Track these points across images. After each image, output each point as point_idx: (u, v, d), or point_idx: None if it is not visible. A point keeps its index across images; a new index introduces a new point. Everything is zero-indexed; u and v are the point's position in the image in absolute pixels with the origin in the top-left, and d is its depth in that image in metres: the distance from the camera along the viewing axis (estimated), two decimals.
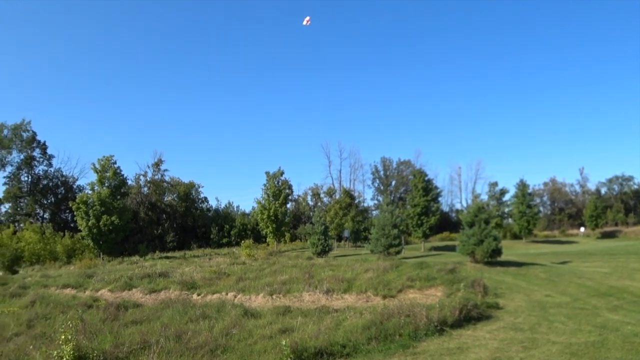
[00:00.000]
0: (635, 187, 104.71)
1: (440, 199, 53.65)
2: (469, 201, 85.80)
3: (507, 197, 68.58)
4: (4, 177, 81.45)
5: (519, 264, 28.45)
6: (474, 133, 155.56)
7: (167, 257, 52.81)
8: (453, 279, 21.38)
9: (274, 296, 22.20)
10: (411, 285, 21.14)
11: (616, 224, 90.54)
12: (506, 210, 68.40)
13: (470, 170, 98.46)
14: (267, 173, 58.20)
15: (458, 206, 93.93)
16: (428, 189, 51.53)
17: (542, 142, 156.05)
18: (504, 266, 27.35)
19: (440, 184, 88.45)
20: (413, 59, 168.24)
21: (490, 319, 15.56)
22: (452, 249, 43.01)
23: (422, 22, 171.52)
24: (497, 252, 28.29)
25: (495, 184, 70.11)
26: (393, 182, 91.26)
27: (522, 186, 66.68)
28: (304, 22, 39.34)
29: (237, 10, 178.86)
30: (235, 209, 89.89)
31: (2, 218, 78.10)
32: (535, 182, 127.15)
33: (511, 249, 46.14)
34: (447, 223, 78.87)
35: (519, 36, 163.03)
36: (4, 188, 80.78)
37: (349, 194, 69.75)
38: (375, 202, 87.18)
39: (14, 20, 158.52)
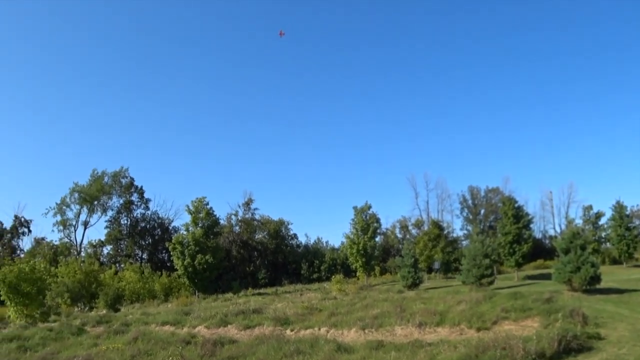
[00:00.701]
0: None
1: (531, 225, 52.10)
2: (563, 227, 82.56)
3: (603, 221, 65.49)
4: (106, 221, 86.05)
5: (620, 291, 27.24)
6: (563, 155, 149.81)
7: (259, 294, 53.65)
8: (550, 308, 20.71)
9: (366, 330, 22.23)
10: (506, 316, 20.67)
11: None
12: (603, 234, 65.33)
13: (562, 194, 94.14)
14: (355, 208, 58.49)
15: (551, 232, 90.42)
16: (519, 216, 50.19)
17: (637, 160, 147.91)
18: (604, 294, 26.27)
19: (531, 210, 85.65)
20: (495, 83, 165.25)
21: (592, 351, 15.06)
22: (547, 277, 41.55)
23: (502, 46, 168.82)
24: (596, 279, 27.23)
25: (590, 207, 67.24)
26: (482, 211, 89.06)
27: (619, 208, 63.44)
28: (280, 35, 39.84)
29: (318, 43, 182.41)
30: (324, 244, 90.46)
31: (105, 259, 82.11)
32: (634, 202, 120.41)
33: (611, 275, 44.00)
34: (541, 250, 75.93)
35: (606, 52, 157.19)
36: (105, 231, 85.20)
37: (437, 225, 68.84)
38: (465, 232, 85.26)
39: (110, 78, 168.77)
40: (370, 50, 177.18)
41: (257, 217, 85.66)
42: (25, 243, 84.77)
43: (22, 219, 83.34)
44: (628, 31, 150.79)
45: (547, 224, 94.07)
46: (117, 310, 45.26)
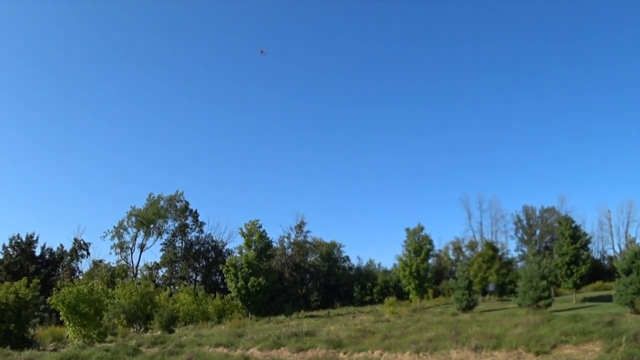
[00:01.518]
0: None
1: (590, 246, 50.61)
2: (623, 247, 79.98)
3: None
4: (161, 244, 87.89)
5: None
6: (622, 172, 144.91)
7: (311, 316, 53.64)
8: (612, 332, 20.02)
9: (420, 354, 21.91)
10: (566, 340, 20.08)
11: None
12: None
13: (621, 213, 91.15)
14: (407, 229, 57.87)
15: (610, 253, 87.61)
16: (576, 236, 48.85)
17: None
18: None
19: (589, 229, 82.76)
20: (548, 100, 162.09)
21: None
22: (607, 299, 40.29)
23: (549, 61, 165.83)
24: None
25: None
26: (537, 231, 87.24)
27: None
28: (261, 52, 39.37)
29: (368, 69, 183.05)
30: (376, 267, 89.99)
31: (160, 281, 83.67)
32: None
33: None
34: (600, 271, 73.63)
35: None
36: (161, 254, 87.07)
37: (491, 246, 67.58)
38: (520, 253, 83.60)
39: (165, 104, 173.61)
40: (419, 71, 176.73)
41: (309, 239, 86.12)
42: (84, 265, 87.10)
43: (82, 242, 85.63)
44: None
45: (606, 244, 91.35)
46: (171, 331, 45.75)
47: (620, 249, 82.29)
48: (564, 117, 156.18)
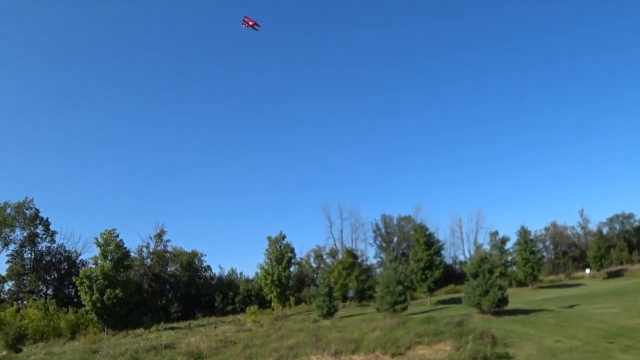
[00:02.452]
0: (637, 224, 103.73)
1: (442, 252, 53.67)
2: (472, 252, 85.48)
3: (509, 245, 68.52)
4: (7, 255, 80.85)
5: (526, 312, 28.31)
6: (473, 183, 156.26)
7: (172, 328, 52.27)
8: (461, 331, 21.24)
9: None
10: (419, 341, 20.99)
11: (621, 263, 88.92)
12: (509, 258, 68.15)
13: (471, 221, 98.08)
14: (269, 238, 58.16)
15: (461, 258, 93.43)
16: (430, 243, 51.47)
17: (540, 187, 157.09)
18: (511, 315, 27.21)
19: (442, 237, 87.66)
20: (409, 110, 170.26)
21: None
22: (458, 301, 42.68)
23: (415, 70, 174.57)
24: (504, 301, 28.19)
25: (496, 232, 70.07)
26: (395, 239, 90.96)
27: (524, 233, 66.58)
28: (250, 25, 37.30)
29: (236, 62, 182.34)
30: (238, 276, 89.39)
31: (5, 296, 77.43)
32: (537, 227, 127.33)
33: (518, 297, 45.83)
34: (452, 275, 78.00)
35: (512, 78, 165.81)
36: (7, 266, 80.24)
37: (351, 253, 69.42)
38: (378, 259, 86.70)
39: (13, 105, 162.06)
40: (281, 79, 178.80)
41: (169, 249, 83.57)
42: None
43: None
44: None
45: (457, 250, 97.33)
46: (18, 350, 42.74)
47: (469, 254, 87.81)
48: (418, 132, 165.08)
